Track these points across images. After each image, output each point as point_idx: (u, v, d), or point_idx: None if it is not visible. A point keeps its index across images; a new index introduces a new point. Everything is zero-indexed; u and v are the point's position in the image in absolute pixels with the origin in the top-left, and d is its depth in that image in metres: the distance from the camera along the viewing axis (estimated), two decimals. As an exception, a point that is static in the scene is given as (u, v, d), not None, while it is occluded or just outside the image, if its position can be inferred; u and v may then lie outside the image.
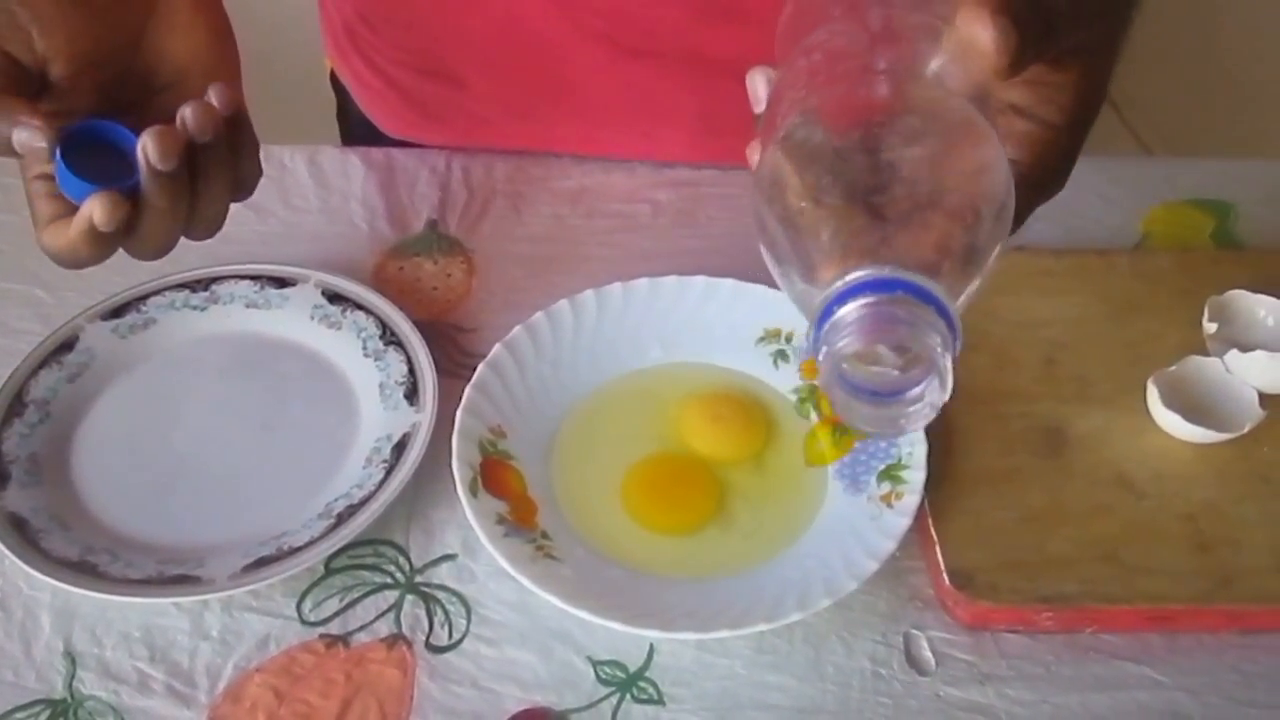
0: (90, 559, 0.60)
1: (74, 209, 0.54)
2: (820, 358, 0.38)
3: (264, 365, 0.70)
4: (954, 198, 0.39)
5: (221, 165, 0.56)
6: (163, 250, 0.57)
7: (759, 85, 0.45)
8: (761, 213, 0.41)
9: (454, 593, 0.61)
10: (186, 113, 0.53)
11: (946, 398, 0.39)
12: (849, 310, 0.37)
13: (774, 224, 0.40)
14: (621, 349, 0.69)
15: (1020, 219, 0.44)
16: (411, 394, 0.67)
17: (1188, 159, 0.86)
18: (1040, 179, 0.45)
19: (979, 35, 0.39)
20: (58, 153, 0.52)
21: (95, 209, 0.52)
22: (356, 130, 0.90)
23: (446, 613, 0.60)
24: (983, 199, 0.39)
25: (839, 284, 0.37)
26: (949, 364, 0.38)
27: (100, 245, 0.54)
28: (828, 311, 0.38)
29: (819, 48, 0.43)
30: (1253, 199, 0.80)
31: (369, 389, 0.68)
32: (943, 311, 0.37)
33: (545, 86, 0.81)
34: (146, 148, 0.52)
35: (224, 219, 0.59)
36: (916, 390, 0.39)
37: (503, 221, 0.80)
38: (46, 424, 0.66)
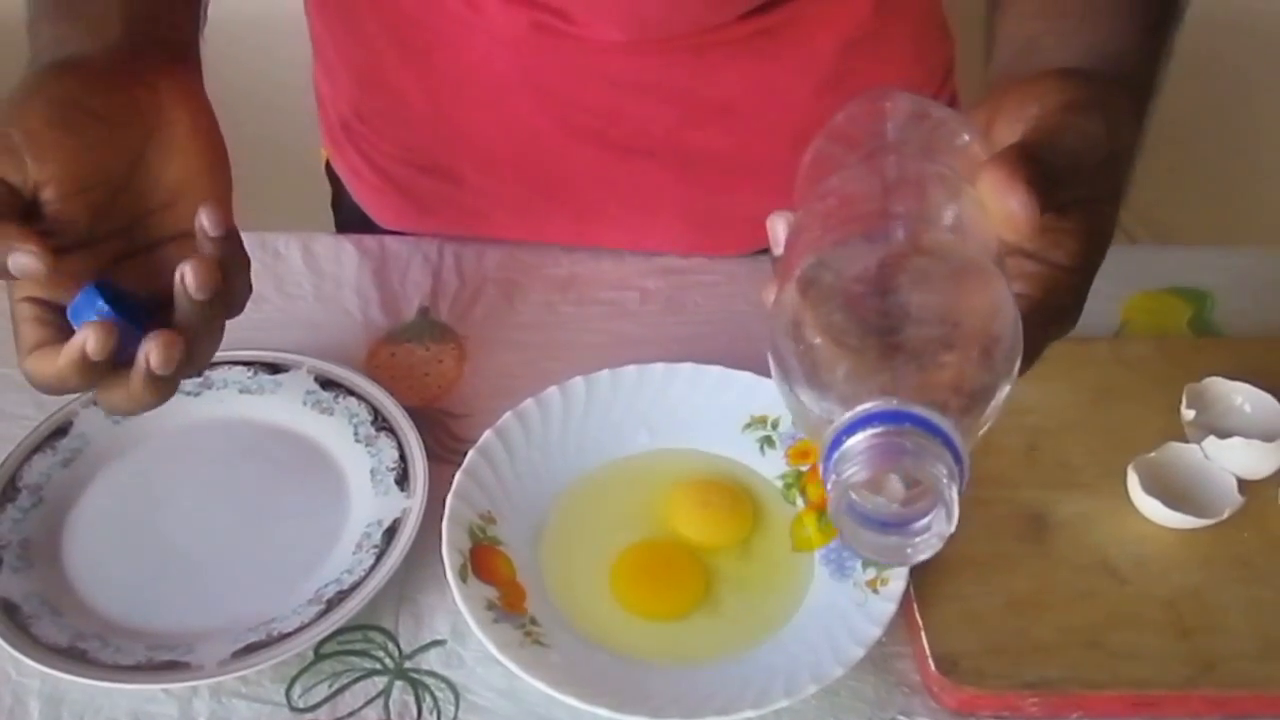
0: (80, 645, 0.60)
1: (61, 338, 0.52)
2: (829, 487, 0.39)
3: (256, 450, 0.71)
4: (963, 338, 0.40)
5: (216, 317, 0.54)
6: (146, 409, 0.54)
7: (779, 229, 0.47)
8: (778, 348, 0.42)
9: (443, 679, 0.61)
10: (187, 272, 0.52)
11: (952, 529, 0.40)
12: (857, 441, 0.38)
13: (789, 359, 0.41)
14: (610, 435, 0.70)
15: (1033, 356, 0.46)
16: (402, 479, 0.67)
17: (1165, 248, 0.88)
18: (1050, 316, 0.46)
19: (1012, 206, 0.42)
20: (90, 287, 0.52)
21: (89, 337, 0.50)
22: (351, 219, 0.92)
23: (435, 699, 0.60)
24: (991, 340, 0.40)
25: (848, 415, 0.38)
26: (954, 495, 0.38)
27: (88, 376, 0.52)
28: (837, 441, 0.39)
29: (834, 192, 0.44)
30: (1229, 287, 0.82)
31: (360, 474, 0.69)
32: (949, 444, 0.38)
33: (537, 182, 0.82)
34: (150, 355, 0.51)
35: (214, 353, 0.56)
36: (923, 521, 0.40)
37: (494, 308, 0.81)
38: (39, 509, 0.67)
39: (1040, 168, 0.42)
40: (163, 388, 0.53)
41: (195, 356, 0.54)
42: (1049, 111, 0.46)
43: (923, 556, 0.41)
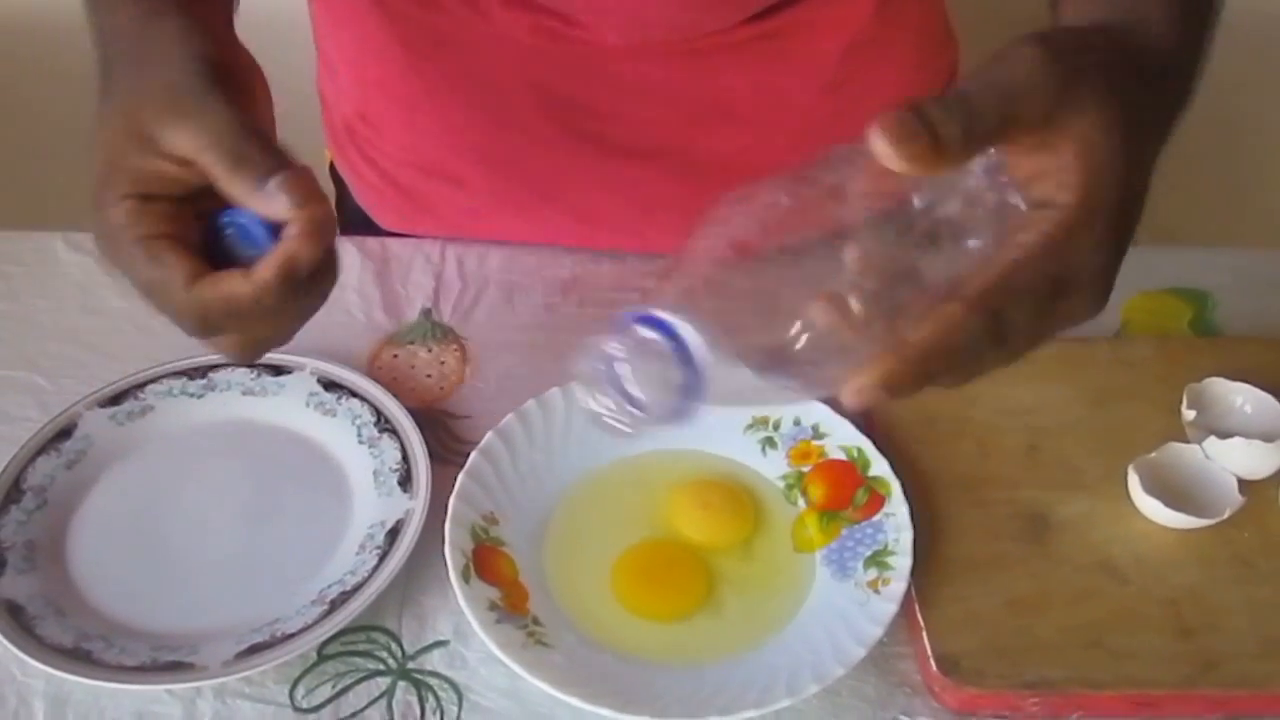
0: (85, 645, 0.60)
1: (214, 267, 0.51)
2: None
3: (260, 452, 0.71)
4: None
5: (314, 295, 0.53)
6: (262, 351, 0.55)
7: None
8: None
9: (446, 679, 0.61)
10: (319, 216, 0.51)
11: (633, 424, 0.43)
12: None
13: None
14: (611, 437, 0.69)
15: (1034, 335, 0.45)
16: (405, 481, 0.67)
17: (1166, 248, 0.88)
18: (1054, 284, 0.44)
19: (878, 147, 0.41)
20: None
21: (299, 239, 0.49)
22: (354, 220, 0.92)
23: (438, 699, 0.60)
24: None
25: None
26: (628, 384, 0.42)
27: (295, 292, 0.51)
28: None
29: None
30: (1229, 287, 0.82)
31: (363, 476, 0.69)
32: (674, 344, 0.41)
33: (539, 184, 0.83)
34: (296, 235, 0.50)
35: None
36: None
37: (496, 310, 0.81)
38: (43, 511, 0.67)
39: (924, 103, 0.41)
40: (296, 303, 0.51)
41: (305, 311, 0.53)
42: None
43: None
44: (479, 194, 0.84)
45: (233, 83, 0.52)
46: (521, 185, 0.83)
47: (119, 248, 0.52)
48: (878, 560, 0.63)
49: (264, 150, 0.50)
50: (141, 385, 0.73)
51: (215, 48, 0.53)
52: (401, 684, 0.61)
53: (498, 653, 0.58)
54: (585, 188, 0.82)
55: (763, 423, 0.70)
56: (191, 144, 0.50)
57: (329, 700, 0.60)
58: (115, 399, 0.72)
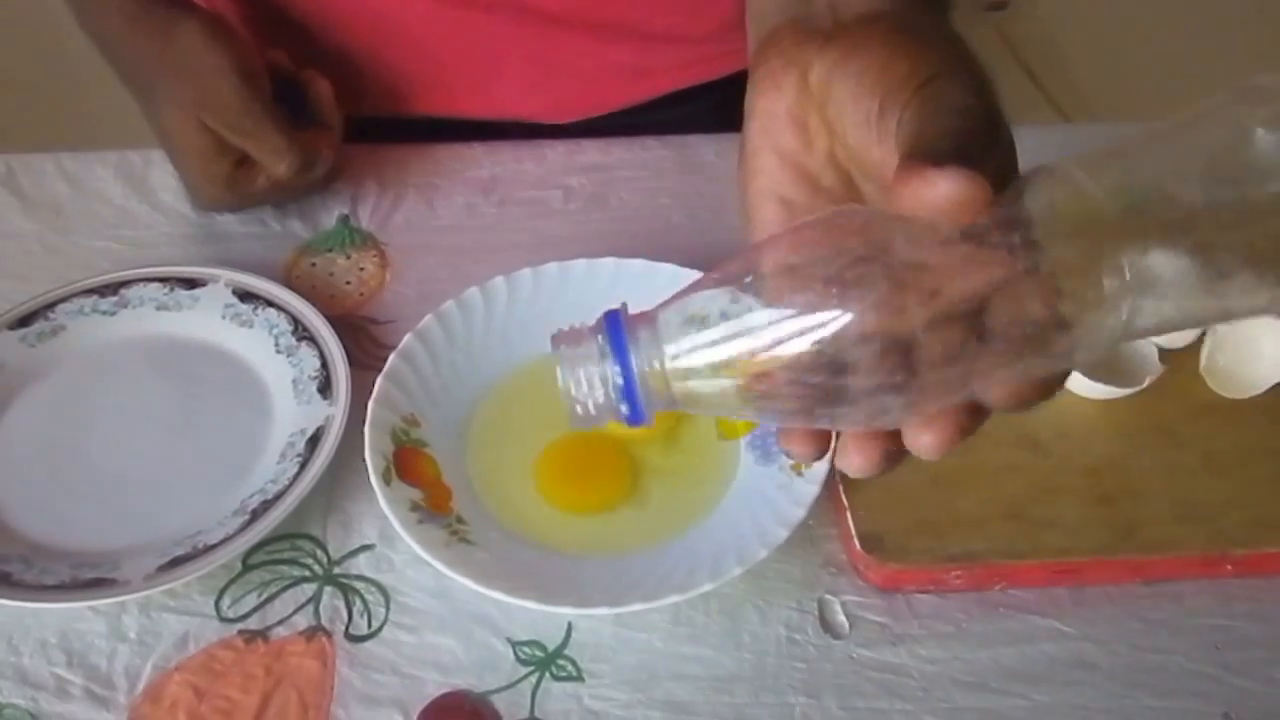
0: (4, 568, 0.59)
1: None
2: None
3: (176, 366, 0.70)
4: None
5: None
6: None
7: None
8: None
9: (372, 582, 0.61)
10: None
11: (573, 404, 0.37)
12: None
13: None
14: (533, 333, 0.69)
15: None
16: (325, 388, 0.67)
17: (1097, 124, 0.87)
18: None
19: (943, 189, 0.33)
20: None
21: None
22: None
23: (365, 602, 0.60)
24: None
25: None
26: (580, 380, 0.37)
27: None
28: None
29: None
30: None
31: (282, 385, 0.68)
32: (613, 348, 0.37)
33: (381, 51, 0.82)
34: None
35: None
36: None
37: (415, 213, 0.80)
38: (-43, 435, 0.66)
39: (952, 141, 0.35)
40: None
41: None
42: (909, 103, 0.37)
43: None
44: (343, 74, 0.82)
45: (247, 67, 0.73)
46: (367, 56, 0.82)
47: (265, 192, 0.76)
48: (801, 444, 0.62)
49: (264, 124, 0.73)
50: (52, 305, 0.71)
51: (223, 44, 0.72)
52: (328, 589, 0.61)
53: (420, 551, 0.58)
54: (425, 46, 0.81)
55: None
56: (226, 129, 0.73)
57: (255, 609, 0.60)
58: (24, 320, 0.70)
